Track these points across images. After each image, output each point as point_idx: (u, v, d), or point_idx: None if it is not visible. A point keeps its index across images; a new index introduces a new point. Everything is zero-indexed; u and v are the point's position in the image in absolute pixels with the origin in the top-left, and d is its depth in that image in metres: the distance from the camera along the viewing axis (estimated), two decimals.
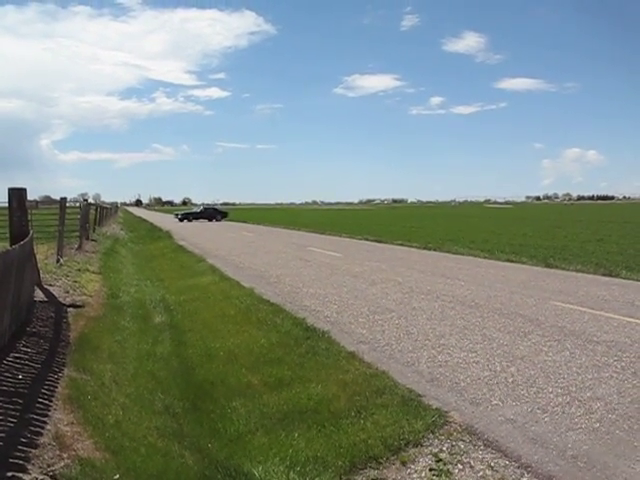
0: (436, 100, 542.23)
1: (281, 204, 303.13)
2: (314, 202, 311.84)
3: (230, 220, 58.89)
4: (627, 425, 4.85)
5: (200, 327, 8.65)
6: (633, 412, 5.14)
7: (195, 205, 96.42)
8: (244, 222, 56.61)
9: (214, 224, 52.10)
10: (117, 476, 3.54)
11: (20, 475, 3.12)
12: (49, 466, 3.35)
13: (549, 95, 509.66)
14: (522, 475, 4.06)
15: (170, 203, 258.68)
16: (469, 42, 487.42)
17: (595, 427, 4.83)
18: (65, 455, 3.55)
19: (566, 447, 4.45)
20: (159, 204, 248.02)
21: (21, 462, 3.28)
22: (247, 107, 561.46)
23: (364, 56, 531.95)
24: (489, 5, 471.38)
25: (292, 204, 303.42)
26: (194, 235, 33.73)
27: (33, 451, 3.44)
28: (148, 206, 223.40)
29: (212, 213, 59.69)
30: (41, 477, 3.20)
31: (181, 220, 56.91)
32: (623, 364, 6.62)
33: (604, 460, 4.22)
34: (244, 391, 5.68)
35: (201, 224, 51.52)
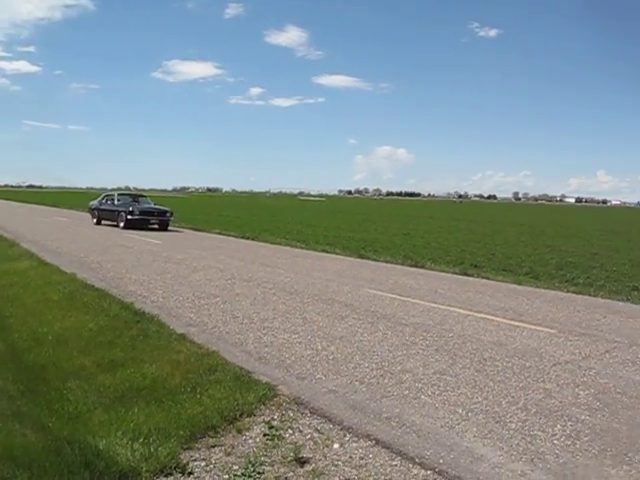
0: (256, 91, 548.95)
1: (93, 188, 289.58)
2: (127, 188, 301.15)
3: (40, 204, 55.46)
4: (430, 391, 5.81)
5: (23, 313, 8.56)
6: (435, 381, 6.14)
7: None
8: (55, 206, 53.82)
9: (22, 208, 48.95)
10: None
11: None
12: None
13: (365, 93, 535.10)
14: (345, 435, 4.78)
15: None
16: (291, 36, 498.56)
17: (405, 394, 5.73)
18: None
19: (381, 411, 5.27)
20: None
21: None
22: (60, 85, 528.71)
23: (185, 41, 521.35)
24: (312, 1, 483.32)
25: (104, 189, 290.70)
26: (1, 219, 31.94)
27: None
28: None
29: None
30: None
31: None
32: (427, 342, 7.73)
33: (412, 419, 5.08)
34: (78, 373, 5.89)
35: (7, 206, 48.22)
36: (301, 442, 4.60)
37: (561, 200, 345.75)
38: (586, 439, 4.80)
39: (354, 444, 4.61)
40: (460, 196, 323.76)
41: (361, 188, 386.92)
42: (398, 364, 6.72)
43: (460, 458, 4.36)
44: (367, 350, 7.26)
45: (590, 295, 12.53)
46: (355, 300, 10.65)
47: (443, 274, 15.12)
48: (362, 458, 4.35)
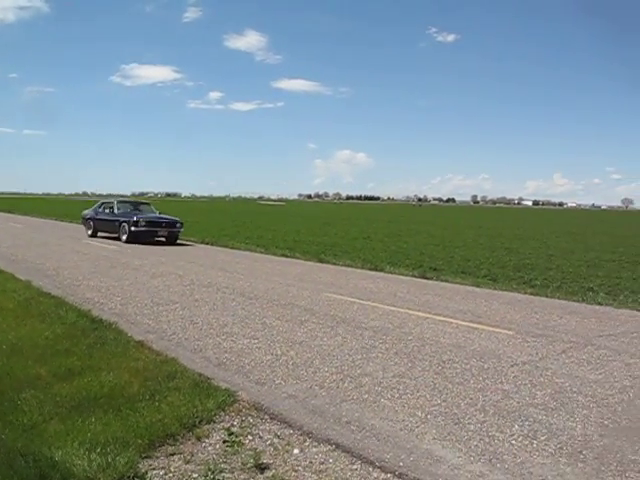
0: (215, 95, 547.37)
1: (49, 194, 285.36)
2: (84, 193, 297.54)
3: None
4: (390, 395, 5.85)
5: None
6: (394, 384, 6.18)
7: None
8: (9, 212, 52.81)
9: None
10: None
11: None
12: None
13: (324, 98, 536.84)
14: (305, 440, 4.78)
15: None
16: (251, 40, 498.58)
17: (364, 398, 5.75)
18: None
19: (341, 415, 5.28)
20: None
21: None
22: (14, 89, 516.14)
23: (144, 45, 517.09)
24: (272, 6, 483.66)
25: (61, 194, 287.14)
26: None
27: None
28: None
29: None
30: None
31: None
32: (387, 345, 7.78)
33: (372, 423, 5.11)
34: (33, 382, 5.76)
35: None
36: (261, 448, 4.58)
37: (519, 203, 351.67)
38: (543, 438, 4.88)
39: (314, 449, 4.61)
40: (420, 199, 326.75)
41: (321, 192, 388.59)
42: (358, 368, 6.74)
43: (420, 460, 4.39)
44: (327, 354, 7.27)
45: (547, 296, 12.76)
46: (315, 304, 10.67)
47: (402, 277, 15.25)
48: (322, 463, 4.36)
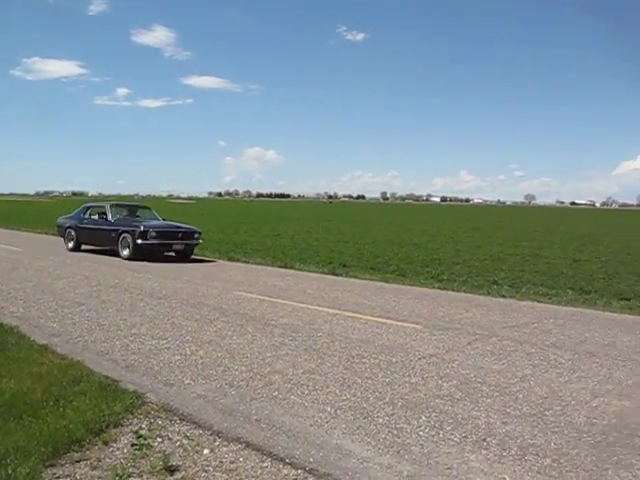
0: (122, 91, 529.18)
1: None
2: None
3: None
4: (300, 391, 5.89)
5: None
6: (304, 380, 6.23)
7: None
8: None
9: None
10: None
11: None
12: None
13: (234, 95, 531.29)
14: (215, 440, 4.75)
15: None
16: (159, 35, 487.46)
17: (274, 395, 5.76)
18: None
19: (251, 413, 5.28)
20: None
21: None
22: None
23: (46, 39, 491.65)
24: (180, 1, 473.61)
25: None
26: None
27: None
28: None
29: None
30: None
31: None
32: (296, 343, 7.83)
33: (282, 420, 5.13)
34: None
35: None
36: (170, 450, 4.52)
37: (427, 199, 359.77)
38: (449, 428, 5.04)
39: (224, 448, 4.60)
40: (330, 197, 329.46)
41: (231, 190, 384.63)
42: (267, 365, 6.75)
43: (329, 455, 4.45)
44: (236, 353, 7.25)
45: (454, 290, 13.19)
46: (224, 303, 10.62)
47: (312, 274, 15.42)
48: (233, 462, 4.34)
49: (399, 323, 9.22)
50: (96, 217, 19.95)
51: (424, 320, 9.54)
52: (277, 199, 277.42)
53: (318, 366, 6.79)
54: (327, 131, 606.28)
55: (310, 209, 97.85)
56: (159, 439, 4.74)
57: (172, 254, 18.34)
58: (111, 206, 20.02)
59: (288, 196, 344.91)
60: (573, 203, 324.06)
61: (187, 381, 6.16)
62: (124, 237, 17.93)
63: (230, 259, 18.54)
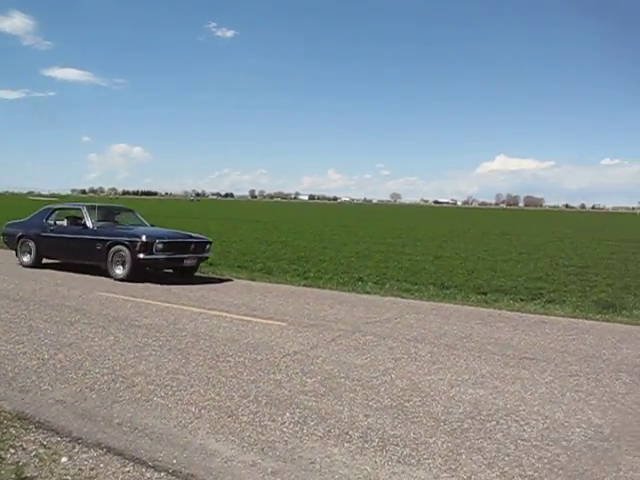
0: None
1: None
2: None
3: None
4: (163, 392, 5.84)
5: None
6: (168, 381, 6.18)
7: None
8: None
9: None
10: None
11: None
12: None
13: (99, 89, 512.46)
14: (74, 447, 4.62)
15: None
16: (16, 22, 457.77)
17: (137, 397, 5.68)
18: None
19: (112, 417, 5.17)
20: None
21: None
22: None
23: None
24: None
25: None
26: None
27: None
28: None
29: None
30: None
31: None
32: (160, 343, 7.75)
33: (145, 422, 5.06)
34: None
35: None
36: (24, 461, 4.34)
37: (295, 197, 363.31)
38: (312, 423, 5.18)
39: (84, 455, 4.48)
40: (197, 194, 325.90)
41: (96, 187, 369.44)
42: (130, 367, 6.64)
43: (193, 456, 4.45)
44: (98, 355, 7.06)
45: (320, 287, 13.48)
46: (86, 304, 10.30)
47: None
48: (93, 469, 4.24)
49: (265, 321, 9.33)
50: (65, 223, 15.48)
51: (290, 317, 9.70)
52: (143, 197, 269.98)
53: (182, 366, 6.75)
54: (196, 129, 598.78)
55: (177, 207, 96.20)
56: (12, 450, 4.53)
57: (171, 270, 15.05)
58: (88, 208, 15.21)
59: (155, 194, 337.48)
60: (437, 202, 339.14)
61: (44, 386, 5.93)
62: (117, 250, 13.71)
63: None
